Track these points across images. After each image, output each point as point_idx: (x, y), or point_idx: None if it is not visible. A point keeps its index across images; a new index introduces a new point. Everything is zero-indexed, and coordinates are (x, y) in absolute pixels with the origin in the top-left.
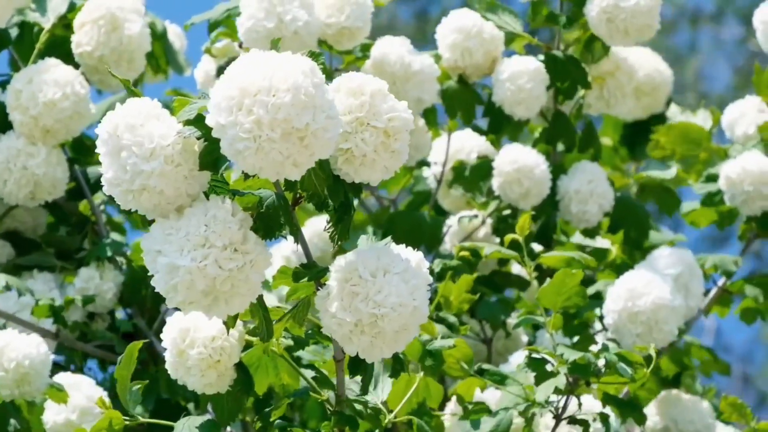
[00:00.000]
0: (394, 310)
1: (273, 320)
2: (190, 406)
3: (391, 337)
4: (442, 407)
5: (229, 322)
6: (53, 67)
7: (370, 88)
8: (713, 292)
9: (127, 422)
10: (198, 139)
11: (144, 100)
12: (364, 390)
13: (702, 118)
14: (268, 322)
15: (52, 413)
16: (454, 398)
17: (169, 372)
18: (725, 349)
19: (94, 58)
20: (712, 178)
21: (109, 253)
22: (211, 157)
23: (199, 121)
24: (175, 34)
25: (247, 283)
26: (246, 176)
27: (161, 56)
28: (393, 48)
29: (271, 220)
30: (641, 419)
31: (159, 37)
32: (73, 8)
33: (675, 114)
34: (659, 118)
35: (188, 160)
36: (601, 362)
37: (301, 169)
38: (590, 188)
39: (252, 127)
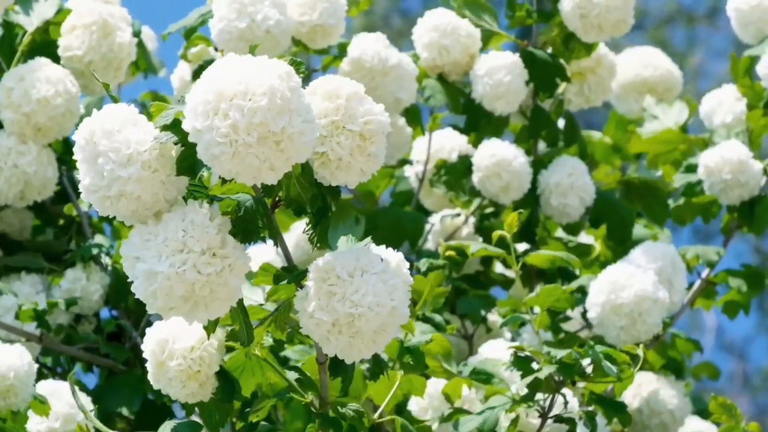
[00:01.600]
0: (371, 310)
1: (254, 322)
2: (176, 405)
3: (369, 337)
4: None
5: (210, 327)
6: (44, 65)
7: (346, 91)
8: (697, 284)
9: None
10: (175, 144)
11: (121, 105)
12: (345, 391)
13: (678, 110)
14: (249, 327)
15: (35, 422)
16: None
17: (151, 382)
18: (727, 349)
19: (83, 63)
20: (692, 169)
21: (94, 252)
22: (188, 162)
23: (175, 126)
24: (147, 36)
25: (226, 288)
26: (223, 181)
27: (140, 57)
28: (369, 44)
29: (249, 223)
30: (627, 420)
31: (136, 36)
32: (60, 12)
33: (650, 105)
34: None
35: (165, 165)
36: (586, 361)
37: (278, 173)
38: (570, 181)
39: (228, 132)
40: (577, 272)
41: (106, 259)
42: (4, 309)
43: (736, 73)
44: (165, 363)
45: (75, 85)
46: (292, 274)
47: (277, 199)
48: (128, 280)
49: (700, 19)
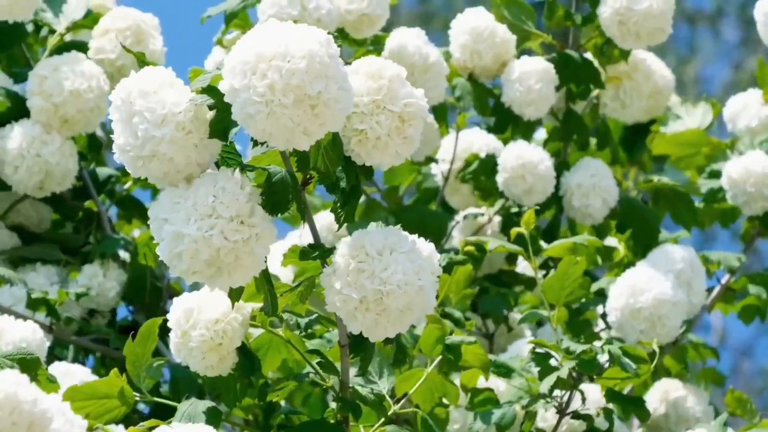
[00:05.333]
0: (399, 288)
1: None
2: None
3: (396, 315)
4: None
5: (233, 296)
6: (80, 59)
7: (389, 72)
8: (717, 290)
9: (137, 398)
10: (210, 108)
11: (159, 68)
12: (363, 370)
13: (702, 111)
14: (273, 297)
15: None
16: None
17: (173, 352)
18: (730, 348)
19: (114, 66)
20: (715, 175)
21: (116, 249)
22: (221, 125)
23: (211, 89)
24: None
25: (251, 256)
26: (255, 143)
27: None
28: (410, 39)
29: (278, 195)
30: (644, 416)
31: None
32: (88, 15)
33: (675, 105)
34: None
35: (199, 128)
36: (604, 357)
37: (311, 138)
38: (592, 182)
39: (265, 92)
40: (598, 270)
41: (124, 254)
42: (16, 299)
43: (763, 80)
44: (188, 332)
45: (107, 83)
46: (319, 250)
47: (308, 176)
48: (145, 276)
49: (701, 21)
